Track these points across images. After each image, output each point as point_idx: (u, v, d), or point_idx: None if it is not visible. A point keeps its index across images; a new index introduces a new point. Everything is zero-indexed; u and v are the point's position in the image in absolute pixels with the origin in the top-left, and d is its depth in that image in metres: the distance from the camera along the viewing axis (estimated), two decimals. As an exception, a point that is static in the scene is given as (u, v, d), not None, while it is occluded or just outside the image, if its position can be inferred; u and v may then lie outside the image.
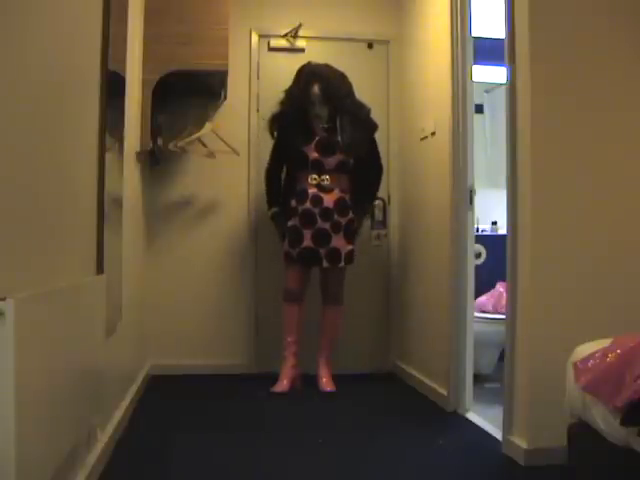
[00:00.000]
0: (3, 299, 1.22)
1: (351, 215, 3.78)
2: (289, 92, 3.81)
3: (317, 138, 3.75)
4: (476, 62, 3.47)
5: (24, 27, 1.47)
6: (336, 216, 3.71)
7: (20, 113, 1.46)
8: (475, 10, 3.40)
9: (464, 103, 3.34)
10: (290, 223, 3.73)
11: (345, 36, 4.32)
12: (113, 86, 2.52)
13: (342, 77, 3.79)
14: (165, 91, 3.66)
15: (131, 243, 3.26)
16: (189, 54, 3.56)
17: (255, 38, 4.28)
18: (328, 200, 3.72)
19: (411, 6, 4.14)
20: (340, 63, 3.88)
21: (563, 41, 2.62)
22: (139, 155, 3.48)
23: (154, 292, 4.08)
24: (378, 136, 4.29)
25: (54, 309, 1.57)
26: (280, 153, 3.86)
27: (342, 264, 3.75)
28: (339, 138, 3.75)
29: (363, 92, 3.90)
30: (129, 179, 3.14)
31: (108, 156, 2.41)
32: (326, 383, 3.71)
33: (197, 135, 3.85)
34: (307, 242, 3.70)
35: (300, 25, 4.22)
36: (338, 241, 3.72)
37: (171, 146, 3.83)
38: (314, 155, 3.72)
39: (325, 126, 3.77)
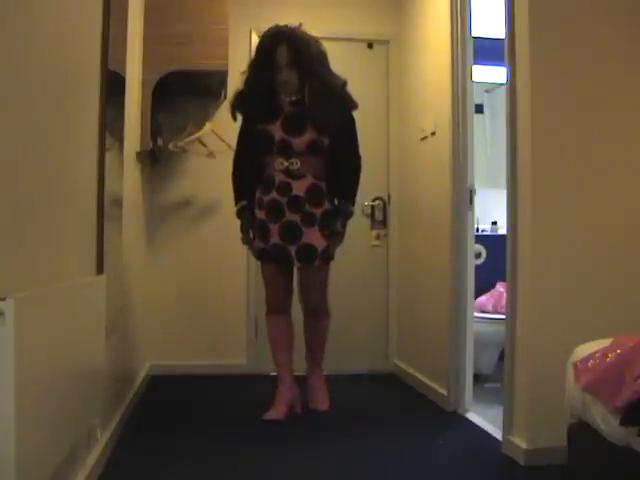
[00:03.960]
0: (3, 299, 1.22)
1: (328, 205, 3.15)
2: (252, 62, 3.24)
3: (284, 114, 3.15)
4: (476, 62, 3.47)
5: (24, 27, 1.47)
6: (307, 206, 3.10)
7: (20, 113, 1.46)
8: (475, 10, 3.40)
9: (464, 103, 3.34)
10: (258, 218, 3.18)
11: (345, 36, 4.31)
12: (113, 86, 2.52)
13: (314, 39, 3.18)
14: (165, 91, 3.66)
15: (131, 243, 3.26)
16: (189, 54, 3.57)
17: (255, 38, 4.25)
18: (298, 187, 3.11)
19: (411, 6, 4.14)
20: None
21: (563, 41, 2.62)
22: (139, 155, 3.48)
23: (154, 292, 4.08)
24: (377, 136, 4.29)
25: (54, 309, 1.57)
26: (245, 137, 3.26)
27: (317, 263, 3.13)
28: (309, 111, 3.11)
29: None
30: (129, 179, 3.14)
31: (108, 156, 2.41)
32: (316, 402, 3.27)
33: (197, 135, 3.85)
34: (275, 238, 3.13)
35: (300, 25, 4.21)
36: (312, 235, 3.10)
37: (171, 146, 3.83)
38: (280, 135, 3.11)
39: (293, 99, 3.15)
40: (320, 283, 3.23)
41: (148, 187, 3.99)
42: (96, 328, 2.10)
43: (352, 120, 3.25)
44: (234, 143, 3.97)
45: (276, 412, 3.11)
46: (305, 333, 3.32)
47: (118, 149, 2.78)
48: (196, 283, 4.20)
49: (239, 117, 3.25)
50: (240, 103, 3.21)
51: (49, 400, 1.54)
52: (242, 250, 4.25)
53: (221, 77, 3.83)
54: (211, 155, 3.97)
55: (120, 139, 2.82)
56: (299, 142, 3.10)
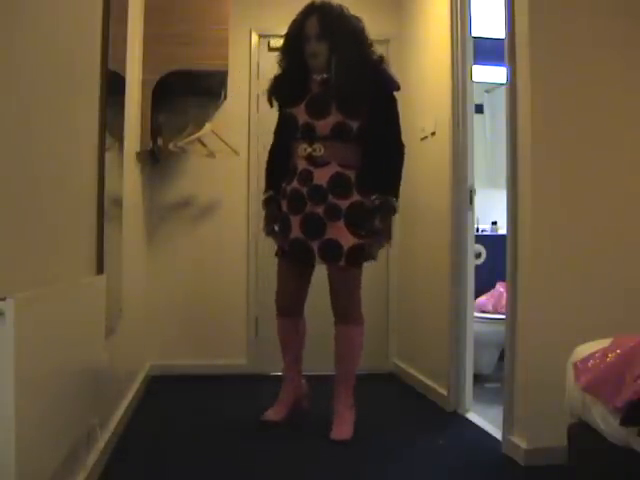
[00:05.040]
0: (3, 299, 1.22)
1: (357, 197, 2.83)
2: (283, 42, 3.03)
3: (310, 95, 2.89)
4: (476, 62, 3.47)
5: (24, 27, 1.47)
6: (331, 197, 2.81)
7: (19, 113, 1.46)
8: (475, 10, 3.40)
9: (464, 103, 3.34)
10: (282, 209, 2.96)
11: (345, 36, 4.31)
12: (113, 86, 2.52)
13: (353, 16, 2.90)
14: (165, 91, 3.66)
15: (131, 243, 3.26)
16: (189, 54, 3.56)
17: (255, 38, 4.28)
18: (320, 176, 2.82)
19: (411, 6, 4.14)
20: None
21: (563, 41, 2.62)
22: (139, 155, 3.48)
23: (154, 292, 4.08)
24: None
25: (54, 309, 1.57)
26: (278, 123, 3.08)
27: (342, 263, 2.82)
28: (334, 89, 2.82)
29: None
30: (129, 179, 3.14)
31: (108, 156, 2.41)
32: (336, 431, 2.84)
33: (197, 135, 3.85)
34: (296, 232, 2.87)
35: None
36: (337, 231, 2.81)
37: (171, 146, 3.83)
38: (304, 118, 2.86)
39: (324, 76, 2.87)
40: (348, 285, 2.91)
41: (148, 187, 3.99)
42: (96, 328, 2.10)
43: (391, 101, 2.89)
44: (234, 143, 4.01)
45: (274, 413, 3.01)
46: (334, 342, 2.99)
47: (118, 149, 2.78)
48: (196, 283, 4.21)
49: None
50: (273, 87, 3.01)
51: (49, 400, 1.54)
52: (242, 250, 4.27)
53: (221, 77, 3.83)
54: (211, 155, 3.97)
55: (120, 139, 2.82)
56: (322, 125, 2.82)
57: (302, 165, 2.87)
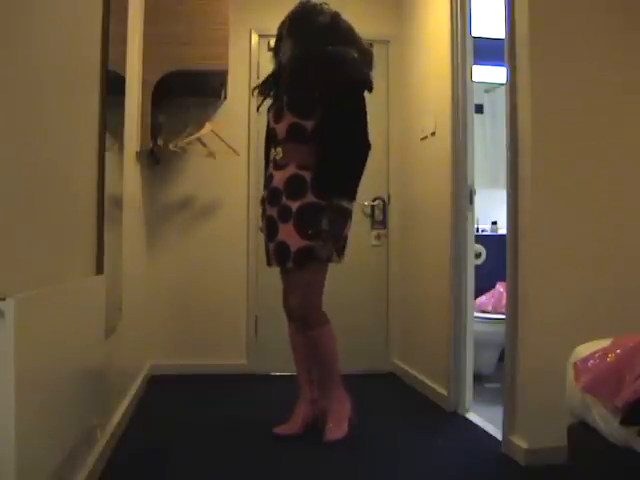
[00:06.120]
0: (3, 299, 1.22)
1: (311, 199, 2.72)
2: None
3: (279, 100, 2.90)
4: (476, 62, 3.47)
5: (24, 27, 1.47)
6: (284, 199, 2.75)
7: (19, 113, 1.46)
8: (475, 10, 3.40)
9: (464, 103, 3.34)
10: None
11: (345, 36, 4.30)
12: (113, 86, 2.53)
13: (329, 13, 2.86)
14: (165, 91, 3.66)
15: (131, 243, 3.26)
16: (189, 54, 3.57)
17: (255, 38, 4.28)
18: (278, 179, 2.80)
19: (411, 6, 4.14)
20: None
21: (563, 41, 2.62)
22: (139, 155, 3.48)
23: (154, 292, 4.08)
24: (377, 136, 4.28)
25: (54, 309, 1.57)
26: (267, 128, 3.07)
27: (290, 265, 2.76)
28: (283, 89, 2.85)
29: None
30: (129, 179, 3.14)
31: (108, 156, 2.41)
32: (329, 432, 2.82)
33: (197, 135, 3.86)
34: (264, 235, 2.95)
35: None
36: (286, 233, 2.74)
37: (171, 146, 3.83)
38: (271, 123, 2.91)
39: None
40: (300, 288, 2.80)
41: (148, 187, 3.99)
42: (96, 328, 2.10)
43: (352, 99, 2.75)
44: (234, 143, 4.01)
45: (286, 428, 2.87)
46: (306, 348, 2.94)
47: (118, 149, 2.78)
48: (196, 283, 4.21)
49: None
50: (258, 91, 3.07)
51: (49, 400, 1.54)
52: (242, 250, 4.27)
53: (221, 77, 3.84)
54: (211, 155, 3.97)
55: (120, 139, 2.82)
56: (280, 128, 2.82)
57: (270, 169, 2.91)
